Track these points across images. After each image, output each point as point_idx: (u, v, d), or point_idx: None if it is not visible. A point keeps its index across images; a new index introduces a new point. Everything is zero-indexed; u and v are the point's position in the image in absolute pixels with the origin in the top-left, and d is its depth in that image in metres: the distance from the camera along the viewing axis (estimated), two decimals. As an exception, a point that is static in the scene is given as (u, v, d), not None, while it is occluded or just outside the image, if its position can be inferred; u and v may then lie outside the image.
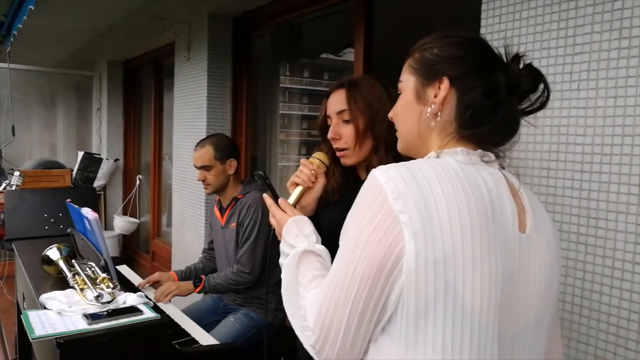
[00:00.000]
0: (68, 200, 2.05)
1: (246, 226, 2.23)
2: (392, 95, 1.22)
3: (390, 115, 0.94)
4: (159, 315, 1.51)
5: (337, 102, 1.26)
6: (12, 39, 4.33)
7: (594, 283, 1.33)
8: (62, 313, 1.47)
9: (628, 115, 1.26)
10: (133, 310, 1.52)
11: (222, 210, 2.38)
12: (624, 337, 1.27)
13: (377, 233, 0.72)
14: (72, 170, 5.17)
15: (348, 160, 1.25)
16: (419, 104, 0.86)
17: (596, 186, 1.32)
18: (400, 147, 0.93)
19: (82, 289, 1.59)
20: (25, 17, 3.42)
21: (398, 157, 1.14)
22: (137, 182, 5.44)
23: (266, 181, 1.13)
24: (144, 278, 2.33)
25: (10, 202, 3.22)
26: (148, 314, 1.50)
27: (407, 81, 0.88)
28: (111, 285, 1.59)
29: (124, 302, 1.55)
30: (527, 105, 0.85)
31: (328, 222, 1.22)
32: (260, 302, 2.29)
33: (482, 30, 1.59)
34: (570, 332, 1.38)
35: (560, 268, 1.04)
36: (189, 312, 2.20)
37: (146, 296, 1.62)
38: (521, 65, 0.82)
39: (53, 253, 1.91)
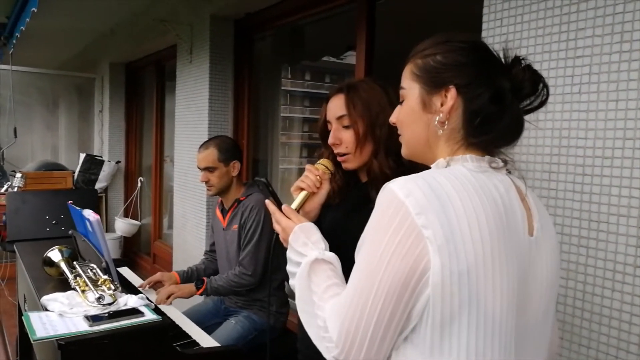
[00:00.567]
0: (69, 202, 2.05)
1: (248, 228, 2.23)
2: (392, 98, 1.22)
3: (392, 120, 0.94)
4: (160, 317, 1.51)
5: (336, 107, 1.26)
6: (14, 41, 4.34)
7: (595, 286, 1.33)
8: (63, 314, 1.47)
9: (629, 118, 1.26)
10: (134, 312, 1.51)
11: (224, 212, 2.39)
12: (625, 341, 1.27)
13: (402, 248, 0.73)
14: (74, 172, 5.17)
15: (349, 164, 1.26)
16: (425, 112, 0.86)
17: (597, 189, 1.32)
18: (405, 152, 0.93)
19: (83, 291, 1.59)
20: (28, 19, 3.43)
21: (399, 161, 1.15)
22: (139, 184, 5.44)
23: (268, 188, 1.12)
24: (144, 280, 2.33)
25: (12, 204, 3.21)
26: (149, 316, 1.50)
27: (411, 88, 0.88)
28: (112, 287, 1.59)
29: (125, 304, 1.55)
30: (527, 104, 0.86)
31: (329, 225, 1.23)
32: (262, 305, 2.29)
33: (484, 34, 1.59)
34: (571, 336, 1.37)
35: (560, 262, 1.07)
36: (190, 315, 2.20)
37: (147, 298, 1.62)
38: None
39: (54, 255, 1.91)
